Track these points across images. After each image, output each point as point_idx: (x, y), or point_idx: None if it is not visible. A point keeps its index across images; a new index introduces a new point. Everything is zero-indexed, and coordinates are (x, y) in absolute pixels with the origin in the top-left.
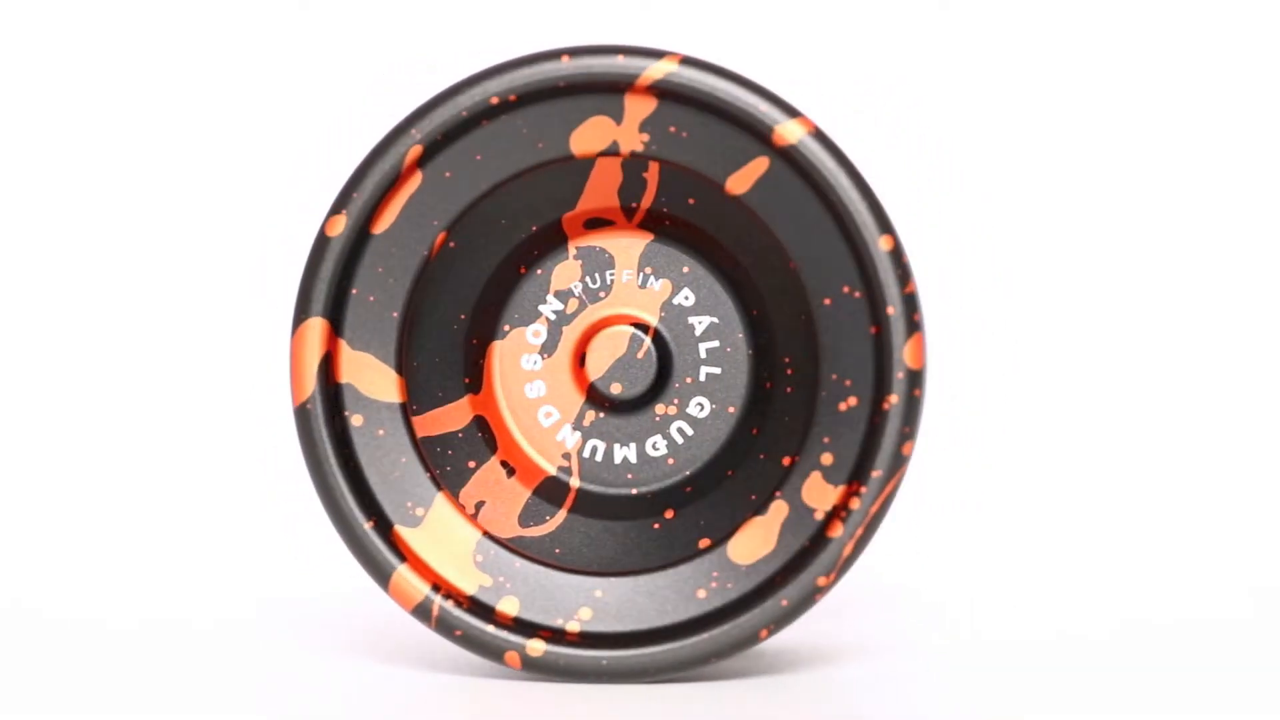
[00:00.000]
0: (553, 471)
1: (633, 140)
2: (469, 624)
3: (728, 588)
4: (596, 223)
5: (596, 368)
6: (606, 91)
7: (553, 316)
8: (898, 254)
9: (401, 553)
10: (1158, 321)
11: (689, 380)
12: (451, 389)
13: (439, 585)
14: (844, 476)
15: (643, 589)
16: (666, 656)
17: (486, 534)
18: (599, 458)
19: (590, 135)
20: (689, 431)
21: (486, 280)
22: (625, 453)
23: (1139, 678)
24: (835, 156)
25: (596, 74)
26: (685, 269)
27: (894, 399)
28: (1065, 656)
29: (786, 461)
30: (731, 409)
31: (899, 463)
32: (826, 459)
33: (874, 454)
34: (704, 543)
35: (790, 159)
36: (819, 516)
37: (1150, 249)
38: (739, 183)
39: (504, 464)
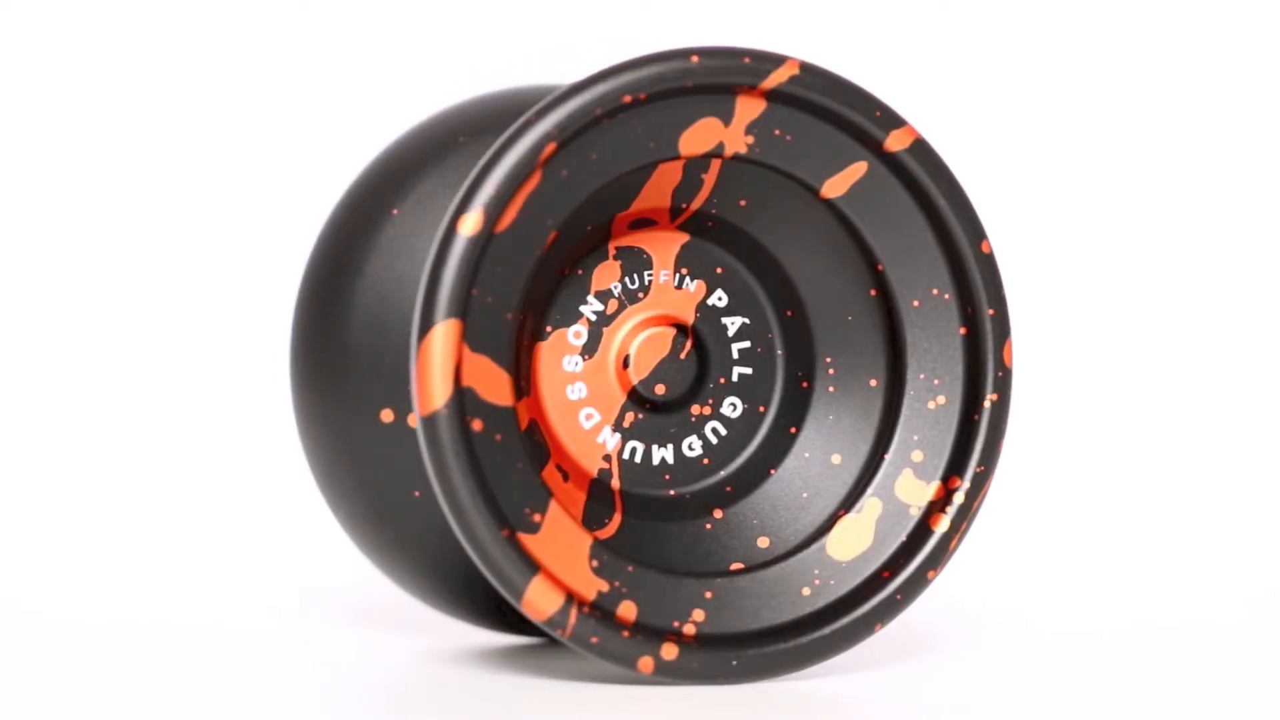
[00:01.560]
0: (594, 474)
1: (738, 142)
2: (603, 631)
3: (831, 584)
4: (640, 223)
5: (641, 369)
6: (722, 93)
7: (593, 317)
8: (992, 259)
9: (534, 562)
10: (1194, 324)
11: (722, 380)
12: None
13: (571, 594)
14: (937, 473)
15: (748, 588)
16: (790, 653)
17: (597, 538)
18: (638, 459)
19: (700, 136)
20: (723, 431)
21: (539, 280)
22: (663, 454)
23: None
24: (936, 164)
25: (722, 76)
26: (719, 270)
27: (994, 397)
28: (1103, 658)
29: (837, 460)
30: (762, 408)
31: (996, 457)
32: (917, 456)
33: (972, 449)
34: (763, 541)
35: (894, 165)
36: (915, 512)
37: (1172, 253)
38: (835, 186)
39: (559, 467)
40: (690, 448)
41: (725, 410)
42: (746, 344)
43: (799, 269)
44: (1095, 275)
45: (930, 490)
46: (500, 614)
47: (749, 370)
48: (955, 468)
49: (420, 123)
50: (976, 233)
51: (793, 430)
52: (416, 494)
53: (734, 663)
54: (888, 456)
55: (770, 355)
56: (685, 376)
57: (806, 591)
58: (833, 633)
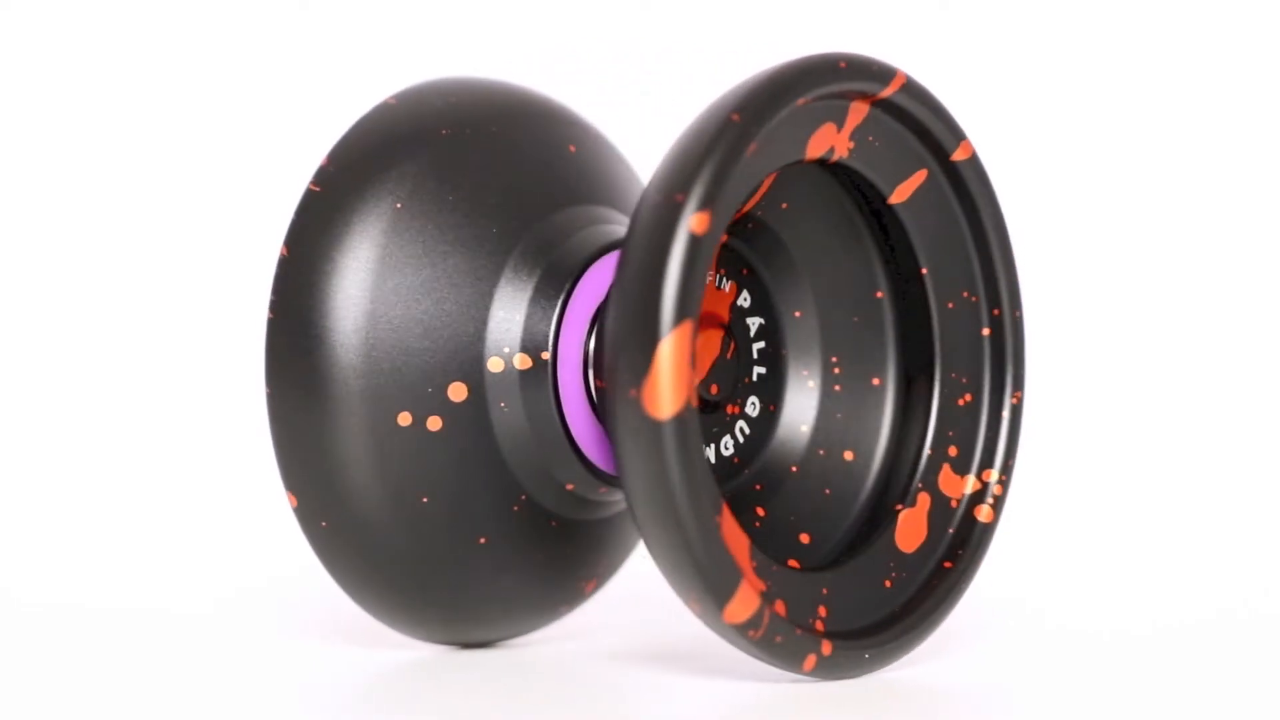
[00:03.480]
0: None
1: (842, 147)
2: (785, 630)
3: (904, 576)
4: None
5: (701, 368)
6: (842, 99)
7: None
8: (1015, 264)
9: (739, 566)
10: (1209, 323)
11: (746, 380)
12: None
13: (762, 596)
14: (971, 467)
15: (844, 584)
16: (896, 643)
17: (753, 539)
18: None
19: (820, 140)
20: (747, 431)
21: None
22: (707, 453)
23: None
24: (984, 175)
25: (856, 84)
26: (744, 270)
27: (1021, 394)
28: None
29: (849, 456)
30: (772, 407)
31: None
32: (952, 451)
33: (998, 444)
34: (804, 538)
35: (953, 174)
36: (954, 505)
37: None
38: (902, 192)
39: None
40: (725, 447)
41: (748, 409)
42: (763, 344)
43: (814, 271)
44: (1110, 276)
45: (966, 483)
46: (463, 625)
47: (764, 370)
48: (988, 461)
49: (380, 111)
50: (1005, 239)
51: (804, 429)
52: (425, 499)
53: (866, 656)
54: (926, 452)
55: (778, 355)
56: (731, 376)
57: (888, 584)
58: (922, 621)
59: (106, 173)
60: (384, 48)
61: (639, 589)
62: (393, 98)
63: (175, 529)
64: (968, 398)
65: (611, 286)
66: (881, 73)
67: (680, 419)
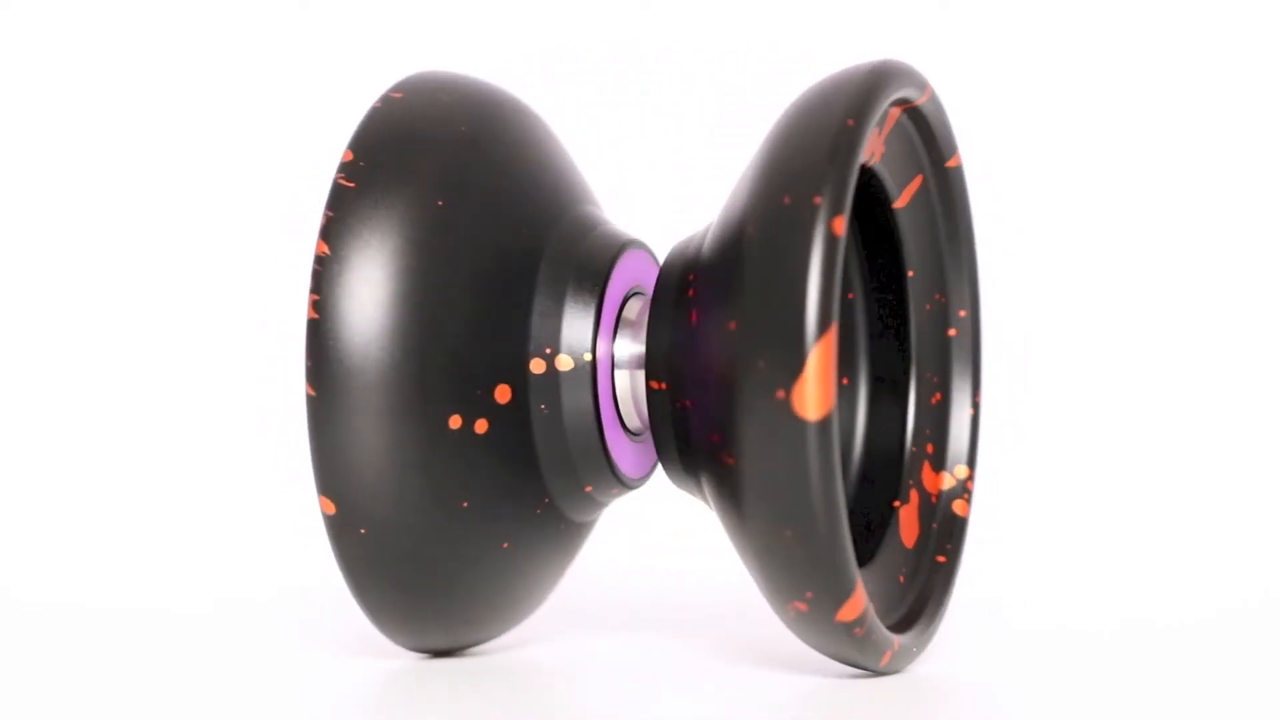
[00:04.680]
0: None
1: (878, 152)
2: (877, 626)
3: (909, 571)
4: None
5: None
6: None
7: None
8: (976, 266)
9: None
10: (1175, 327)
11: None
12: None
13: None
14: (944, 463)
15: (877, 580)
16: (928, 635)
17: None
18: None
19: (872, 144)
20: None
21: None
22: None
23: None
24: (964, 183)
25: (908, 90)
26: None
27: (980, 393)
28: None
29: None
30: None
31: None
32: (930, 448)
33: (964, 440)
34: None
35: (944, 180)
36: (934, 500)
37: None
38: (904, 197)
39: None
40: None
41: None
42: None
43: None
44: (1101, 275)
45: (942, 480)
46: (460, 629)
47: None
48: (959, 458)
49: (391, 106)
50: (973, 244)
51: None
52: (465, 504)
53: (915, 650)
54: (909, 448)
55: None
56: None
57: (901, 579)
58: (935, 614)
59: (100, 174)
60: (381, 46)
61: (605, 592)
62: (395, 91)
63: (176, 530)
64: (938, 396)
65: (661, 284)
66: (919, 81)
67: (828, 420)
